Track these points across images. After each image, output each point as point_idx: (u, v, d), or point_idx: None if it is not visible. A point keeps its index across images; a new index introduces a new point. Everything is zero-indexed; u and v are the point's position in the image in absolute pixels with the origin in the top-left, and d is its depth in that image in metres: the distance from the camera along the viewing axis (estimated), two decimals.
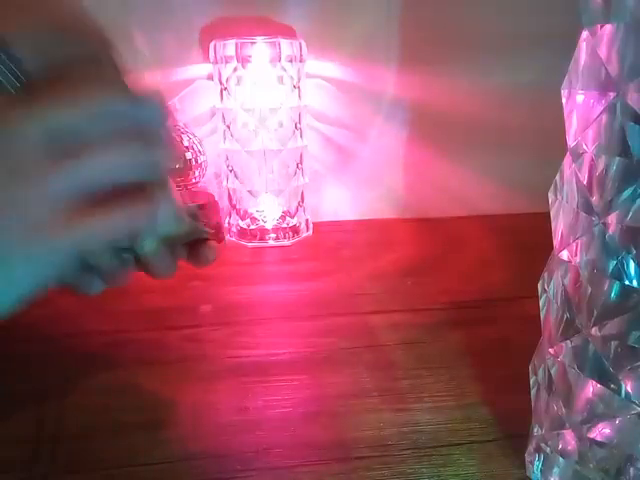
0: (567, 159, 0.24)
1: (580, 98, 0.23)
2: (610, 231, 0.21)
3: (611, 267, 0.22)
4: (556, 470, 0.27)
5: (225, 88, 0.63)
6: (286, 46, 0.61)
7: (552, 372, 0.26)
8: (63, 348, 0.38)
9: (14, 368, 0.40)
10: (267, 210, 0.68)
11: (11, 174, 0.22)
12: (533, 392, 0.29)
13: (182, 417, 0.35)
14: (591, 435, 0.24)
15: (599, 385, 0.23)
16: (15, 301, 0.24)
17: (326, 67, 0.70)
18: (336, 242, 0.68)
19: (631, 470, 0.24)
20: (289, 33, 0.67)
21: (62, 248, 0.24)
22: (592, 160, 0.22)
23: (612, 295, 0.22)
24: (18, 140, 0.22)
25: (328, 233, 0.71)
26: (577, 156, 0.23)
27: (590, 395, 0.24)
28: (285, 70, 0.62)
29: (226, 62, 0.62)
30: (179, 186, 0.45)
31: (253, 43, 0.60)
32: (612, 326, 0.22)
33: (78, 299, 0.36)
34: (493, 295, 0.52)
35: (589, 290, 0.23)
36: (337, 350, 0.42)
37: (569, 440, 0.26)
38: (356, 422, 0.34)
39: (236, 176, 0.66)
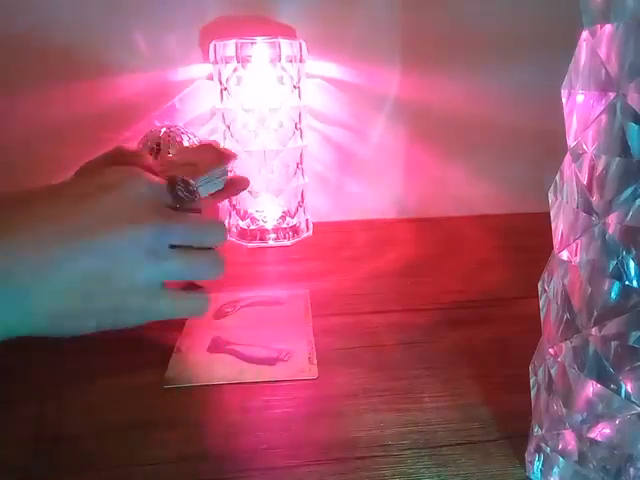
0: (567, 159, 0.24)
1: (580, 98, 0.23)
2: (610, 231, 0.21)
3: (611, 267, 0.22)
4: (556, 470, 0.27)
5: (225, 88, 0.63)
6: (286, 46, 0.61)
7: (552, 372, 0.26)
8: (64, 347, 0.38)
9: (14, 367, 0.40)
10: (267, 210, 0.68)
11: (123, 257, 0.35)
12: (533, 392, 0.29)
13: (182, 417, 0.35)
14: (591, 435, 0.24)
15: (599, 385, 0.23)
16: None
17: (326, 67, 0.70)
18: (336, 242, 0.68)
19: (631, 470, 0.24)
20: (289, 33, 0.67)
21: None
22: (592, 160, 0.22)
23: (612, 295, 0.22)
24: (143, 234, 0.35)
25: (328, 233, 0.71)
26: (577, 156, 0.23)
27: (590, 395, 0.24)
28: (285, 70, 0.62)
29: (226, 62, 0.62)
30: None
31: (253, 43, 0.60)
32: (612, 326, 0.22)
33: None
34: (493, 295, 0.52)
35: (589, 290, 0.23)
36: (337, 350, 0.42)
37: (569, 440, 0.26)
38: (356, 422, 0.34)
39: None
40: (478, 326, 0.46)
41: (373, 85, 0.71)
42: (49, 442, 0.32)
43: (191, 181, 0.39)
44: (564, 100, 0.24)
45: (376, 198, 0.78)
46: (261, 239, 0.68)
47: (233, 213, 0.69)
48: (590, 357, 0.23)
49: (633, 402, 0.22)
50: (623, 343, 0.22)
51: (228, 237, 0.42)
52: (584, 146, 0.22)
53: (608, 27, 0.21)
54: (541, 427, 0.28)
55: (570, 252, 0.24)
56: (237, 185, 0.53)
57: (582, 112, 0.23)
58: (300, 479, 0.29)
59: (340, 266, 0.60)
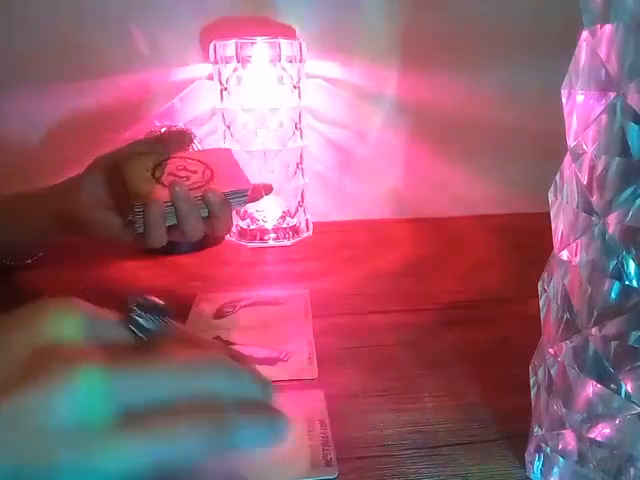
0: (567, 159, 0.24)
1: (580, 98, 0.23)
2: (610, 231, 0.21)
3: (611, 267, 0.22)
4: (556, 470, 0.27)
5: (225, 88, 0.63)
6: (286, 46, 0.61)
7: (552, 372, 0.26)
8: None
9: None
10: (267, 210, 0.68)
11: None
12: (533, 392, 0.29)
13: None
14: (591, 435, 0.24)
15: (599, 385, 0.23)
16: None
17: (326, 67, 0.70)
18: (336, 242, 0.68)
19: (631, 470, 0.24)
20: (289, 33, 0.67)
21: None
22: (592, 160, 0.22)
23: (612, 295, 0.22)
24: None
25: (328, 233, 0.71)
26: (577, 156, 0.23)
27: (590, 395, 0.24)
28: (285, 70, 0.62)
29: (226, 62, 0.62)
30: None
31: (253, 43, 0.60)
32: (612, 326, 0.22)
33: None
34: (493, 295, 0.52)
35: (589, 290, 0.23)
36: (337, 350, 0.42)
37: (569, 440, 0.26)
38: (356, 422, 0.34)
39: None
40: (478, 326, 0.46)
41: (373, 85, 0.72)
42: None
43: (157, 300, 0.24)
44: (564, 100, 0.24)
45: (376, 198, 0.78)
46: (261, 239, 0.68)
47: (233, 213, 0.69)
48: (590, 357, 0.23)
49: (633, 402, 0.22)
50: (623, 343, 0.22)
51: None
52: (584, 146, 0.22)
53: (608, 27, 0.21)
54: (541, 427, 0.28)
55: (570, 252, 0.24)
56: (259, 192, 0.46)
57: (582, 112, 0.23)
58: None
59: (340, 266, 0.60)
